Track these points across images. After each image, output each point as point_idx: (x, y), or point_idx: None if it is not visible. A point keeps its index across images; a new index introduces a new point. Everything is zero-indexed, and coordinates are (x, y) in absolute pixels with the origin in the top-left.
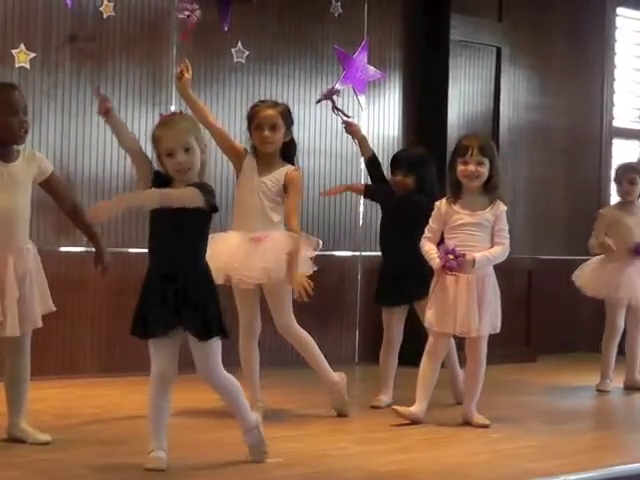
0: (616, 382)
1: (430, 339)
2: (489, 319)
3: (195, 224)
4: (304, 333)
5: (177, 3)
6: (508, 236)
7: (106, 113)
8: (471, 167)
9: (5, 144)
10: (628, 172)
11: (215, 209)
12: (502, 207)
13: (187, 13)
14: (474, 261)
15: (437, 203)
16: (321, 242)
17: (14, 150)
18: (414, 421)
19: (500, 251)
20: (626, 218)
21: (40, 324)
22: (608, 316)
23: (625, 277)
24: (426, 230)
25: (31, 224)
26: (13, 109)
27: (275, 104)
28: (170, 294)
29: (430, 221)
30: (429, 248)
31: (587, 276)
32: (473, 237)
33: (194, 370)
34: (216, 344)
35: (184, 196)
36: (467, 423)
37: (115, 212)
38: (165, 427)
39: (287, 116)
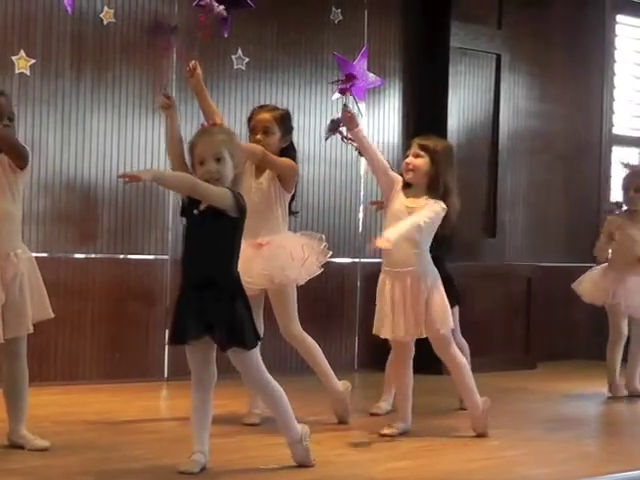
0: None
1: (392, 347)
2: (432, 319)
3: (226, 232)
4: (309, 339)
5: (199, 3)
6: (425, 220)
7: (168, 108)
8: (407, 159)
9: None
10: (634, 179)
11: (244, 212)
12: (434, 203)
13: (209, 14)
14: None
15: (398, 175)
16: (330, 252)
17: None
18: (405, 432)
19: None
20: (630, 228)
21: (31, 329)
22: (611, 324)
23: (623, 285)
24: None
25: (31, 231)
26: None
27: (274, 108)
28: (200, 302)
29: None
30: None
31: (587, 284)
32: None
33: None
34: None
35: (215, 193)
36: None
37: (143, 179)
38: (206, 431)
39: (284, 121)
